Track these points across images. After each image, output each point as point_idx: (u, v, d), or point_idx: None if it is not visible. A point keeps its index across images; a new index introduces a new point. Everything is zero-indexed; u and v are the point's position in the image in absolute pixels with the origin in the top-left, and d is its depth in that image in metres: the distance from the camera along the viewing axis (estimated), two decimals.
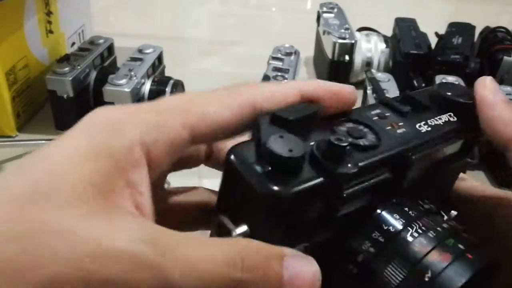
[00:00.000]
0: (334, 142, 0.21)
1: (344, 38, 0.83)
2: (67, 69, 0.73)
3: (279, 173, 0.21)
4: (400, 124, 0.25)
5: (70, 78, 0.72)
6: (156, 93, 0.75)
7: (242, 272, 0.19)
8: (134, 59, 0.78)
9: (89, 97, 0.76)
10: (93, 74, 0.77)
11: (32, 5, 0.78)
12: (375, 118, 0.25)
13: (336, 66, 0.85)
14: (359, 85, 0.87)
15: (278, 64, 0.77)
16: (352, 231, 0.23)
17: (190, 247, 0.19)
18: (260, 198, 0.21)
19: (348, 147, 0.21)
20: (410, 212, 0.24)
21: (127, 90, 0.71)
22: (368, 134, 0.24)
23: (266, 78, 0.72)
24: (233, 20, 1.24)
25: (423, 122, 0.26)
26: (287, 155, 0.20)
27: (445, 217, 0.24)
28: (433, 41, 0.90)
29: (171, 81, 0.76)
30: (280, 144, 0.20)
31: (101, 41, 0.82)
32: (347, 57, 0.84)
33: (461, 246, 0.22)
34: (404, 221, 0.23)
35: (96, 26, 1.01)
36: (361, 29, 0.96)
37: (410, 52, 0.86)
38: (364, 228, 0.24)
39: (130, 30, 1.10)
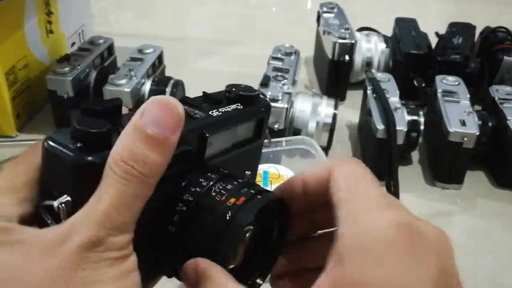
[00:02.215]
0: None
1: (344, 38, 0.83)
2: (67, 69, 0.73)
3: (90, 146, 0.24)
4: (196, 112, 0.30)
5: (70, 78, 0.72)
6: (156, 93, 0.75)
7: None
8: (134, 59, 0.78)
9: (89, 97, 0.76)
10: (93, 74, 0.77)
11: (32, 5, 0.78)
12: None
13: (336, 66, 0.85)
14: (359, 85, 0.87)
15: (278, 64, 0.77)
16: (169, 197, 0.28)
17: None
18: (75, 170, 0.24)
19: None
20: (213, 175, 0.29)
21: (127, 90, 0.71)
22: None
23: (266, 78, 0.72)
24: (233, 20, 1.24)
25: (215, 110, 0.31)
26: (93, 130, 0.24)
27: (242, 178, 0.30)
28: (434, 41, 0.91)
29: (171, 81, 0.76)
30: (87, 124, 0.24)
31: (101, 41, 0.83)
32: (347, 57, 0.84)
33: (252, 191, 0.28)
34: (208, 181, 0.28)
35: (96, 26, 1.01)
36: (361, 29, 0.96)
37: (410, 52, 0.86)
38: (177, 192, 0.28)
39: (130, 30, 1.10)
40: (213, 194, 0.28)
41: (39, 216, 0.26)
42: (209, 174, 0.29)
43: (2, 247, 0.23)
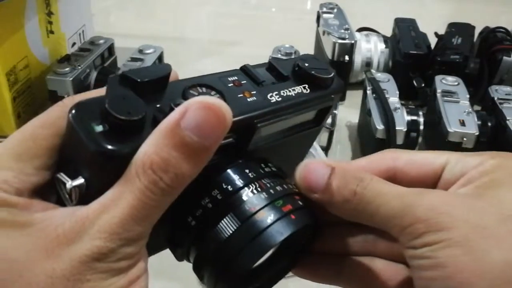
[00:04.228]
0: (174, 108, 0.22)
1: (344, 39, 0.83)
2: (67, 69, 0.73)
3: (117, 133, 0.21)
4: (253, 92, 0.26)
5: (71, 78, 0.73)
6: None
7: None
8: (134, 60, 0.78)
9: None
10: (94, 74, 0.77)
11: (33, 6, 0.78)
12: (230, 85, 0.27)
13: (336, 67, 0.84)
14: (359, 85, 0.87)
15: None
16: (195, 189, 0.24)
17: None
18: (94, 156, 0.21)
19: None
20: (250, 173, 0.26)
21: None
22: None
23: None
24: (234, 21, 1.24)
25: (275, 93, 0.27)
26: (123, 116, 0.21)
27: (283, 180, 0.27)
28: (433, 41, 0.91)
29: None
30: (120, 106, 0.21)
31: (101, 41, 0.83)
32: (347, 58, 0.84)
33: (287, 208, 0.25)
34: (242, 181, 0.25)
35: (97, 26, 1.01)
36: (360, 29, 0.96)
37: (410, 52, 0.86)
38: (206, 186, 0.25)
39: (130, 31, 1.10)
40: (244, 198, 0.25)
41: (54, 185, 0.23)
42: (247, 171, 0.26)
43: (4, 228, 0.21)
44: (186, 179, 0.22)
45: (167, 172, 0.21)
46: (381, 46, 0.91)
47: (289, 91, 0.27)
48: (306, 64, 0.28)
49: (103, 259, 0.21)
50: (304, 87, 0.28)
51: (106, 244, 0.21)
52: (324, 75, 0.28)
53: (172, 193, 0.22)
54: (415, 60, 0.86)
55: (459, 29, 0.91)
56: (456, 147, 0.66)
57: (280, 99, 0.27)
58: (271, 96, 0.27)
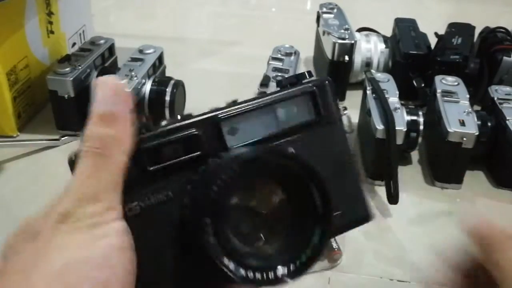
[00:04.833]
0: None
1: (343, 39, 0.83)
2: (68, 69, 0.73)
3: None
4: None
5: (71, 78, 0.73)
6: (156, 93, 0.75)
7: None
8: (134, 59, 0.78)
9: (90, 97, 0.76)
10: (94, 74, 0.78)
11: (33, 6, 0.78)
12: None
13: (336, 67, 0.85)
14: (359, 85, 0.87)
15: (278, 64, 0.77)
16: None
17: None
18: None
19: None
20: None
21: (127, 90, 0.71)
22: None
23: (266, 78, 0.72)
24: (233, 21, 1.24)
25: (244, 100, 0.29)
26: None
27: None
28: (433, 41, 0.91)
29: (172, 81, 0.77)
30: None
31: (102, 41, 0.83)
32: (346, 58, 0.84)
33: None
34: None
35: (97, 26, 1.01)
36: (360, 30, 0.96)
37: (410, 53, 0.86)
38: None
39: (130, 31, 1.10)
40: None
41: None
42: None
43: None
44: (110, 139, 0.26)
45: (96, 140, 0.26)
46: (381, 46, 0.91)
47: (259, 94, 0.29)
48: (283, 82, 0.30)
49: (64, 220, 0.25)
50: (276, 90, 0.30)
51: (64, 206, 0.25)
52: (295, 78, 0.30)
53: (104, 153, 0.26)
54: (415, 60, 0.86)
55: (459, 29, 0.91)
56: (456, 147, 0.67)
57: (248, 100, 0.29)
58: (240, 102, 0.29)
